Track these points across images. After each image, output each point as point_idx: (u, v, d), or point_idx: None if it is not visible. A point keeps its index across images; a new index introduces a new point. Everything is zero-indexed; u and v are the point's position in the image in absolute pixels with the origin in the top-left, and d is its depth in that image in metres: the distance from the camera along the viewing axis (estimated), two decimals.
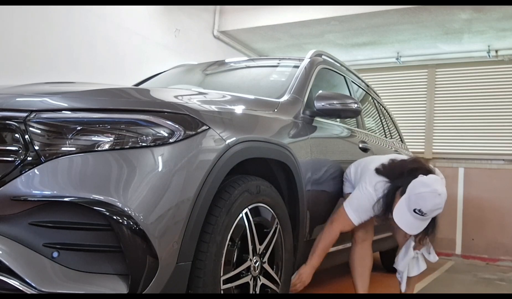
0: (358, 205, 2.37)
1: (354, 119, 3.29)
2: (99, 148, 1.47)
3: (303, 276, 2.33)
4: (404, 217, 2.19)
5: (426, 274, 4.10)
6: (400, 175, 2.30)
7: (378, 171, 2.39)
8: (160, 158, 1.52)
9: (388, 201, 2.29)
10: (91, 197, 1.41)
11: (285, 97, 2.48)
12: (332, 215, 2.50)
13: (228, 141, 1.75)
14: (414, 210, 2.16)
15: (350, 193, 2.55)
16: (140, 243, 1.43)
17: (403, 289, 2.53)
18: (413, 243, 2.47)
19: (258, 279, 1.93)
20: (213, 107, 1.82)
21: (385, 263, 4.12)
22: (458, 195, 5.58)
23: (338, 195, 2.72)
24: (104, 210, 1.40)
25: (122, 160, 1.47)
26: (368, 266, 2.57)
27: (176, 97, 1.77)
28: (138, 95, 1.73)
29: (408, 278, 2.55)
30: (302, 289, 2.35)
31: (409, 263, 2.51)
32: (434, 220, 2.27)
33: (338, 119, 2.92)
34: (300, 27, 5.42)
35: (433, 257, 2.53)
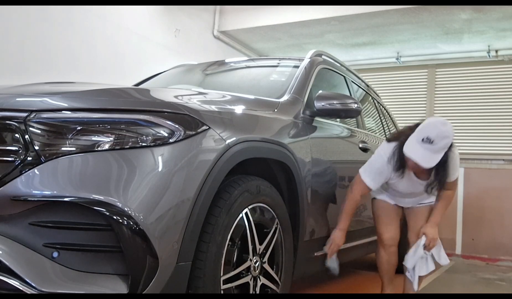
0: (371, 168, 2.51)
1: (354, 119, 3.29)
2: (99, 148, 1.47)
3: (336, 239, 2.54)
4: (414, 148, 2.25)
5: (426, 274, 4.10)
6: (407, 135, 2.38)
7: (388, 139, 2.55)
8: (160, 158, 1.52)
9: (400, 156, 2.38)
10: (91, 197, 1.41)
11: (285, 97, 2.48)
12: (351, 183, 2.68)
13: (228, 141, 1.75)
14: (423, 140, 2.21)
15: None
16: (140, 243, 1.43)
17: (415, 288, 2.60)
18: (423, 242, 2.52)
19: (258, 279, 1.93)
20: (213, 107, 1.82)
21: None
22: (458, 195, 5.58)
23: (338, 195, 2.72)
24: (104, 210, 1.40)
25: (122, 160, 1.47)
26: (394, 265, 2.74)
27: (176, 97, 1.77)
28: (138, 95, 1.73)
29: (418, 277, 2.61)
30: (336, 250, 2.57)
31: (418, 262, 2.55)
32: (444, 166, 2.33)
33: (338, 119, 2.92)
34: (300, 27, 5.42)
35: (444, 260, 2.60)
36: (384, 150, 2.48)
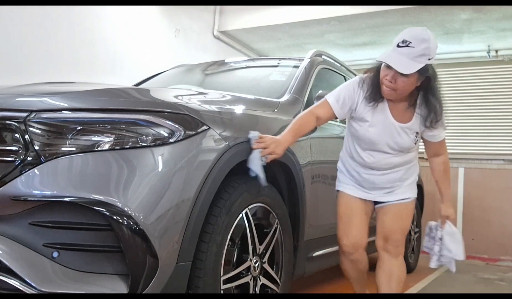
0: (339, 89, 2.07)
1: None
2: (99, 148, 1.47)
3: (272, 143, 1.88)
4: (389, 54, 1.86)
5: (426, 274, 4.10)
6: None
7: (365, 71, 2.10)
8: (160, 158, 1.52)
9: (373, 81, 1.97)
10: (91, 197, 1.41)
11: (285, 97, 2.48)
12: None
13: (228, 141, 1.75)
14: (398, 45, 1.84)
15: None
16: (140, 243, 1.43)
17: (453, 268, 2.15)
18: (454, 226, 2.16)
19: (258, 279, 1.93)
20: (213, 107, 1.82)
21: None
22: (458, 195, 5.58)
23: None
24: (104, 210, 1.40)
25: (122, 160, 1.47)
26: (363, 272, 2.28)
27: (176, 97, 1.77)
28: (138, 95, 1.73)
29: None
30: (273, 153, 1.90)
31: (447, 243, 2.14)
32: (429, 100, 1.96)
33: (338, 119, 2.92)
34: (300, 27, 5.42)
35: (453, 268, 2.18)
36: (358, 76, 2.09)
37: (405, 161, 2.11)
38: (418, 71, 1.82)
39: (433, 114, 1.99)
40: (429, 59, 1.83)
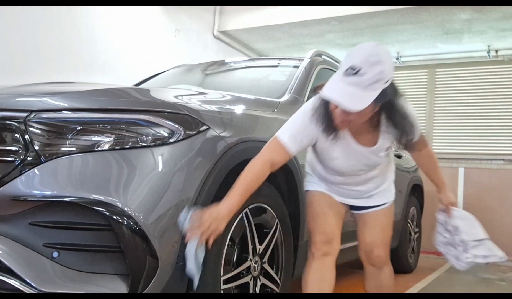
0: (291, 122, 1.74)
1: None
2: (99, 148, 1.47)
3: (213, 219, 1.52)
4: (334, 86, 1.52)
5: (426, 274, 4.10)
6: None
7: (314, 88, 1.77)
8: (160, 158, 1.52)
9: (325, 110, 1.65)
10: (91, 197, 1.41)
11: (285, 97, 2.48)
12: None
13: (228, 141, 1.75)
14: (346, 71, 1.49)
15: None
16: (140, 243, 1.43)
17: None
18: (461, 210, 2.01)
19: (258, 279, 1.93)
20: (213, 107, 1.82)
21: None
22: (458, 195, 5.58)
23: None
24: (104, 210, 1.40)
25: (122, 160, 1.47)
26: (328, 289, 1.86)
27: (176, 97, 1.77)
28: (138, 95, 1.73)
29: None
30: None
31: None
32: (396, 116, 1.64)
33: None
34: (300, 27, 5.42)
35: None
36: (309, 103, 1.74)
37: (379, 172, 1.91)
38: (376, 98, 1.50)
39: (404, 135, 1.70)
40: (385, 82, 1.51)
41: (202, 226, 1.50)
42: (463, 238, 1.94)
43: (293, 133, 1.70)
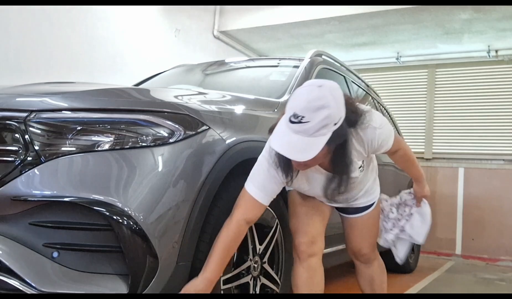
0: (255, 173, 1.65)
1: None
2: (99, 148, 1.47)
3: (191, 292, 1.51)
4: (281, 136, 1.43)
5: (426, 274, 4.10)
6: None
7: (270, 129, 1.58)
8: (160, 158, 1.52)
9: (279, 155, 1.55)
10: (91, 197, 1.41)
11: (285, 97, 2.48)
12: None
13: (228, 141, 1.75)
14: (290, 119, 1.40)
15: None
16: (140, 243, 1.43)
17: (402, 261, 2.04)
18: (428, 208, 2.03)
19: (258, 279, 1.93)
20: (213, 107, 1.82)
21: (385, 263, 4.12)
22: (458, 195, 5.58)
23: None
24: (104, 210, 1.40)
25: (122, 160, 1.47)
26: (318, 290, 1.85)
27: (176, 97, 1.77)
28: (138, 95, 1.73)
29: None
30: None
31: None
32: (344, 150, 1.52)
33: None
34: (300, 27, 5.42)
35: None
36: (265, 150, 1.67)
37: (359, 181, 1.80)
38: (328, 141, 1.41)
39: (374, 151, 1.68)
40: (335, 124, 1.41)
41: None
42: (406, 228, 2.03)
43: (260, 183, 1.62)
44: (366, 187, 1.89)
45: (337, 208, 1.98)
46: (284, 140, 1.41)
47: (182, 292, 1.52)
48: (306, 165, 1.51)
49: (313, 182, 1.72)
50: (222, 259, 1.56)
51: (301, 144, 1.39)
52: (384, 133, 1.63)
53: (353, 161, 1.60)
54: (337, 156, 1.53)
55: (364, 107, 1.59)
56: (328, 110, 1.37)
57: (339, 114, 1.42)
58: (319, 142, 1.39)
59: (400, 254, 2.12)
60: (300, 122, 1.38)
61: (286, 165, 1.56)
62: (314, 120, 1.37)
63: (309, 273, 1.82)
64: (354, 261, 2.09)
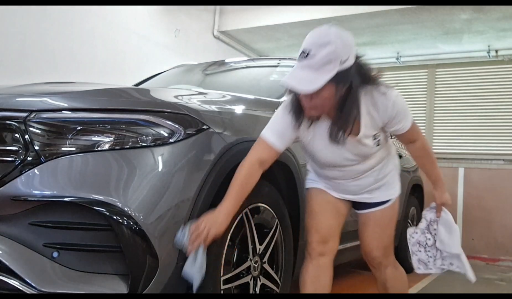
0: (272, 120, 1.75)
1: None
2: (99, 148, 1.47)
3: (211, 223, 1.54)
4: (292, 73, 1.55)
5: (426, 274, 4.10)
6: None
7: None
8: (160, 158, 1.52)
9: (294, 98, 1.70)
10: (91, 197, 1.41)
11: (285, 97, 2.48)
12: None
13: (228, 141, 1.75)
14: (300, 55, 1.54)
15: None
16: (140, 243, 1.43)
17: (472, 277, 1.86)
18: (450, 215, 1.92)
19: (258, 279, 1.93)
20: (213, 107, 1.82)
21: None
22: (458, 195, 5.58)
23: None
24: (104, 210, 1.40)
25: (122, 160, 1.47)
26: (323, 290, 1.85)
27: (176, 97, 1.77)
28: (138, 95, 1.73)
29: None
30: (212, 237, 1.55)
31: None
32: (349, 101, 1.57)
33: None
34: (300, 27, 5.42)
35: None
36: (286, 101, 1.76)
37: (375, 162, 1.83)
38: (334, 80, 1.49)
39: (389, 123, 1.68)
40: (341, 62, 1.49)
41: (199, 232, 1.50)
42: (438, 246, 1.89)
43: (274, 128, 1.71)
44: (384, 180, 1.88)
45: (353, 206, 1.96)
46: (293, 76, 1.52)
47: (203, 221, 1.53)
48: (316, 107, 1.58)
49: (320, 130, 1.71)
50: (237, 195, 1.63)
51: (306, 77, 1.49)
52: (399, 104, 1.66)
53: (361, 114, 1.63)
54: (344, 103, 1.57)
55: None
56: (334, 46, 1.47)
57: (346, 53, 1.51)
58: (322, 77, 1.47)
59: (467, 272, 1.86)
60: (307, 57, 1.50)
61: (297, 110, 1.66)
62: (319, 54, 1.47)
63: (317, 271, 1.84)
64: (368, 265, 2.00)
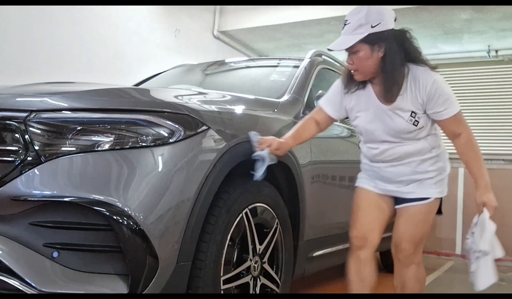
0: (329, 89, 2.06)
1: None
2: (99, 148, 1.47)
3: (275, 141, 1.89)
4: (336, 40, 1.81)
5: (426, 274, 4.09)
6: None
7: None
8: (160, 158, 1.52)
9: (346, 70, 1.95)
10: (91, 197, 1.41)
11: (285, 97, 2.48)
12: None
13: (228, 141, 1.75)
14: (343, 26, 1.81)
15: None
16: (140, 243, 1.43)
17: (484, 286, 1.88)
18: (487, 215, 1.94)
19: (258, 279, 1.93)
20: (213, 107, 1.82)
21: (385, 263, 4.12)
22: (458, 195, 5.57)
23: (338, 195, 2.72)
24: (104, 210, 1.40)
25: (122, 160, 1.47)
26: (367, 281, 1.96)
27: (176, 97, 1.77)
28: (138, 95, 1.73)
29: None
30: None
31: (493, 240, 1.90)
32: (387, 64, 1.76)
33: (338, 121, 2.92)
34: (300, 27, 5.42)
35: (499, 252, 1.97)
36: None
37: (415, 151, 1.88)
38: (368, 42, 1.72)
39: (429, 101, 1.78)
40: (372, 26, 1.72)
41: (267, 141, 1.87)
42: (471, 246, 1.83)
43: (328, 96, 2.04)
44: (422, 173, 1.92)
45: (395, 203, 2.00)
46: (334, 41, 1.80)
47: (272, 139, 1.90)
48: (357, 70, 1.81)
49: (365, 106, 1.90)
50: (295, 135, 2.00)
51: (342, 40, 1.77)
52: (440, 85, 1.81)
53: (402, 86, 1.78)
54: (385, 66, 1.77)
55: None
56: (364, 12, 1.74)
57: (377, 19, 1.73)
58: (354, 37, 1.73)
59: (476, 278, 1.84)
60: (345, 25, 1.78)
61: (346, 77, 1.91)
62: (353, 20, 1.76)
63: (357, 265, 1.96)
64: (394, 261, 2.01)
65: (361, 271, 1.95)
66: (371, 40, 1.72)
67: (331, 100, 2.01)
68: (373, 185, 2.00)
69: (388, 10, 1.79)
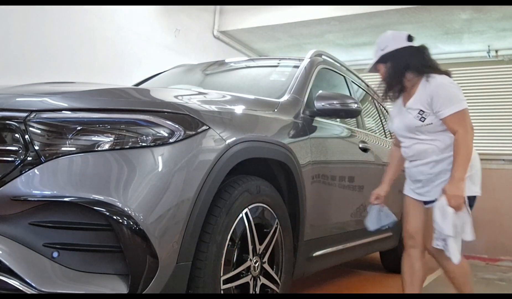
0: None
1: (354, 119, 3.29)
2: (99, 148, 1.47)
3: (377, 190, 2.47)
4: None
5: (426, 274, 4.10)
6: None
7: None
8: (160, 158, 1.52)
9: None
10: (91, 197, 1.41)
11: (285, 97, 2.48)
12: None
13: (228, 141, 1.75)
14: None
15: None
16: (140, 243, 1.43)
17: (456, 260, 2.16)
18: (445, 202, 2.08)
19: (258, 279, 1.93)
20: (213, 107, 1.82)
21: (385, 263, 4.13)
22: None
23: (338, 195, 2.72)
24: (104, 210, 1.40)
25: (122, 160, 1.47)
26: (417, 275, 2.33)
27: (176, 97, 1.77)
28: (138, 95, 1.73)
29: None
30: None
31: (457, 223, 2.13)
32: (392, 65, 2.27)
33: (338, 119, 2.92)
34: (300, 27, 5.42)
35: (469, 236, 2.23)
36: None
37: (430, 149, 2.18)
38: (382, 62, 2.30)
39: (433, 101, 2.10)
40: (381, 50, 2.29)
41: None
42: (434, 226, 2.11)
43: (391, 118, 2.42)
44: (438, 174, 2.18)
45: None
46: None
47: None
48: (385, 83, 2.32)
49: (396, 110, 2.35)
50: (391, 169, 2.52)
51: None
52: (444, 87, 2.12)
53: (397, 86, 2.28)
54: (387, 76, 2.31)
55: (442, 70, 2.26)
56: (378, 41, 2.36)
57: (384, 44, 2.31)
58: (372, 61, 2.36)
59: (451, 254, 2.14)
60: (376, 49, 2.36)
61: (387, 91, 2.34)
62: (379, 44, 2.34)
63: (409, 261, 2.33)
64: (406, 249, 2.38)
65: (413, 266, 2.31)
66: (382, 60, 2.30)
67: (392, 119, 2.38)
68: (412, 190, 2.33)
69: (395, 34, 2.32)
